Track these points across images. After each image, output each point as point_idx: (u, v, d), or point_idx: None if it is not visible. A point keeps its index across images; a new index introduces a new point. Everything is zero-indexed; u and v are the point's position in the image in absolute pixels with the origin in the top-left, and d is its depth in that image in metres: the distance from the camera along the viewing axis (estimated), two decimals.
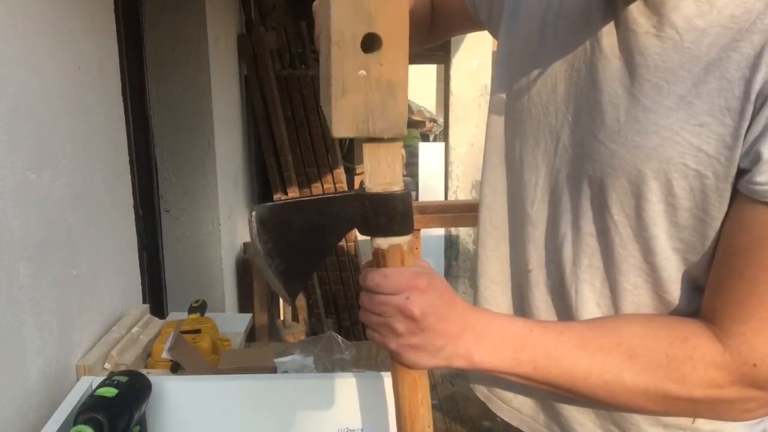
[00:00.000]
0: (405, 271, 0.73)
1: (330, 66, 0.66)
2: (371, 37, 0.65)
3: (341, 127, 0.68)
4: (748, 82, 0.67)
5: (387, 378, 1.15)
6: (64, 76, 1.48)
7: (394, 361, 0.77)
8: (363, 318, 0.75)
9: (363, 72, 0.66)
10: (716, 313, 0.72)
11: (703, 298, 0.75)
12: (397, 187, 0.72)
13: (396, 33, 0.66)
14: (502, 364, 0.75)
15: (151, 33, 2.80)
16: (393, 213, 0.72)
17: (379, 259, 0.74)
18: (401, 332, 0.72)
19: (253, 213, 0.72)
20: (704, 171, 0.70)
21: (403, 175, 0.73)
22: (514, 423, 0.97)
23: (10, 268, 1.21)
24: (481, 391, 1.02)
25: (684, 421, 0.81)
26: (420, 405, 0.79)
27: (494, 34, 1.01)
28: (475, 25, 1.08)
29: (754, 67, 0.67)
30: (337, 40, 0.65)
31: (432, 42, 1.22)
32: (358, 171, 5.25)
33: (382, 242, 0.73)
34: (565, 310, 0.86)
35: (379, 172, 0.71)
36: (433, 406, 0.81)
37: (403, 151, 0.75)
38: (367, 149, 0.71)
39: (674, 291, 0.78)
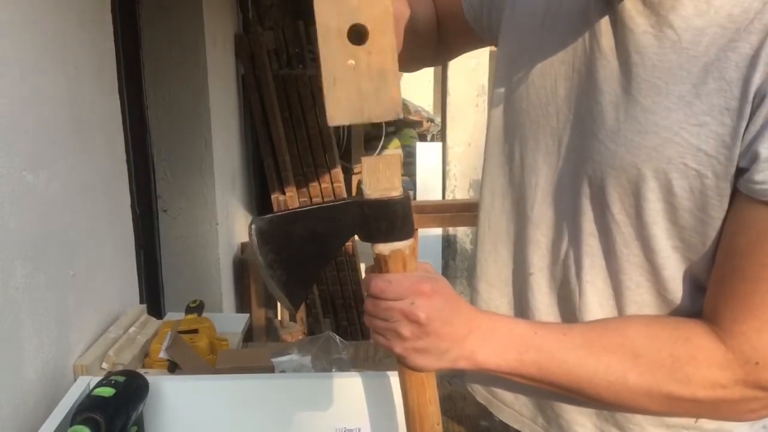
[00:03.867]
0: (409, 276, 0.73)
1: (320, 59, 0.67)
2: (357, 28, 0.66)
3: (336, 116, 0.69)
4: (746, 81, 0.67)
5: (385, 378, 1.15)
6: (61, 76, 1.47)
7: (400, 364, 0.77)
8: (368, 322, 0.75)
9: (352, 62, 0.67)
10: (718, 312, 0.72)
11: (705, 298, 0.75)
12: (396, 192, 0.72)
13: (381, 22, 0.67)
14: (507, 365, 0.76)
15: (148, 33, 2.79)
16: (393, 218, 0.72)
17: (381, 264, 0.74)
18: (407, 336, 0.72)
19: (253, 226, 0.73)
20: (704, 171, 0.70)
21: (401, 175, 0.73)
22: (516, 426, 0.96)
23: (7, 269, 1.21)
24: (481, 393, 1.01)
25: (687, 420, 0.81)
26: (429, 404, 0.79)
27: (496, 44, 1.00)
28: (479, 41, 1.08)
29: (752, 66, 0.67)
30: (323, 33, 0.66)
31: (441, 61, 1.22)
32: (356, 171, 5.24)
33: (384, 248, 0.73)
34: (567, 312, 0.86)
35: (377, 182, 0.72)
36: None
37: (400, 150, 0.75)
38: (366, 163, 0.71)
39: (676, 290, 0.78)
